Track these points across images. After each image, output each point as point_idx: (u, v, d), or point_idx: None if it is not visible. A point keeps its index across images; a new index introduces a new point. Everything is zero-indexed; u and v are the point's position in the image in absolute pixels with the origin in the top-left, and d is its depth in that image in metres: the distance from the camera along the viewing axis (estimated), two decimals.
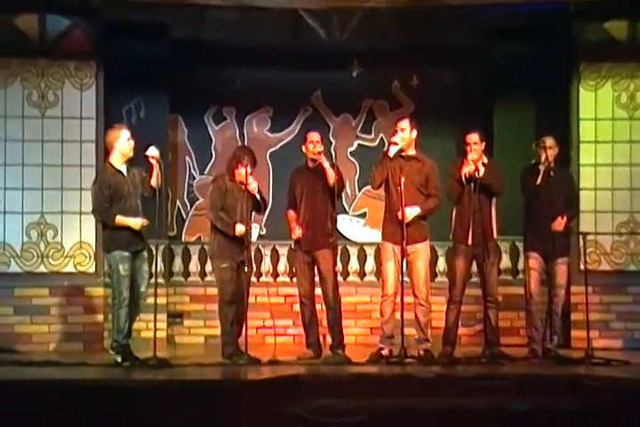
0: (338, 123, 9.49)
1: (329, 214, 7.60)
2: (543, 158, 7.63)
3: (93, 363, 7.31)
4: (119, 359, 7.26)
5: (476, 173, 7.43)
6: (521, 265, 8.70)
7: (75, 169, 8.53)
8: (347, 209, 9.43)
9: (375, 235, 8.56)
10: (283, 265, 9.15)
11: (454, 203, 7.64)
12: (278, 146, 9.44)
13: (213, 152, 9.42)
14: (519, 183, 7.75)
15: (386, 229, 7.57)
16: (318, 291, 7.73)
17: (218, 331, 7.57)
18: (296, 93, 9.28)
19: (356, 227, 9.44)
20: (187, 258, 9.11)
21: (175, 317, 8.91)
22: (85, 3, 8.26)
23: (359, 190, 9.46)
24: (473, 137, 7.55)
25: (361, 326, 8.88)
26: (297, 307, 7.95)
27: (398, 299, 7.36)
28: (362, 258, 9.18)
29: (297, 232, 7.63)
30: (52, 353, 8.11)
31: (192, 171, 9.41)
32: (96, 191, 7.34)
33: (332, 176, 7.53)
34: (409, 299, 7.40)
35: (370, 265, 9.16)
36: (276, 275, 9.15)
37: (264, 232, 9.32)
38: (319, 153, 7.63)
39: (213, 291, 7.78)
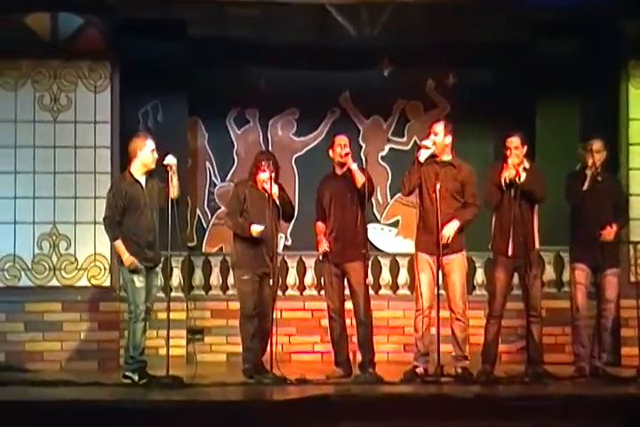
0: (368, 125, 9.54)
1: (360, 224, 7.61)
2: (590, 163, 7.60)
3: (109, 383, 7.33)
4: (135, 378, 7.33)
5: (517, 179, 7.42)
6: (566, 277, 8.68)
7: (88, 176, 8.59)
8: (378, 218, 9.46)
9: (408, 245, 8.56)
10: (310, 278, 9.14)
11: (494, 210, 7.63)
12: (304, 150, 9.51)
13: (235, 157, 9.49)
14: (564, 190, 7.73)
15: (419, 238, 7.57)
16: (348, 305, 7.74)
17: (240, 348, 7.61)
18: (323, 94, 9.34)
19: (387, 236, 9.47)
20: (207, 270, 9.12)
21: (195, 333, 8.93)
22: (99, 0, 8.34)
23: (391, 198, 9.48)
24: (514, 140, 7.53)
25: (394, 342, 8.87)
26: (325, 322, 7.97)
27: (433, 313, 7.36)
28: (394, 270, 9.17)
29: (324, 246, 7.66)
30: (65, 372, 8.13)
31: (213, 178, 9.48)
32: (110, 200, 7.45)
33: (360, 177, 7.52)
34: (445, 313, 7.41)
35: (403, 277, 9.15)
36: (302, 288, 9.15)
37: (290, 243, 9.33)
38: (346, 155, 7.63)
39: (236, 305, 7.80)
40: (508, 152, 7.53)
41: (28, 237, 8.53)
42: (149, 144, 7.45)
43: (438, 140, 7.47)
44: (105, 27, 8.60)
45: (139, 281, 7.35)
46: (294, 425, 6.15)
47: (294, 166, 9.42)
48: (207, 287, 9.13)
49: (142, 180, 7.48)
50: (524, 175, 7.44)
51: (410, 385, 7.21)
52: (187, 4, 8.47)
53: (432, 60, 9.18)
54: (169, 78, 8.78)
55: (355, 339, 7.75)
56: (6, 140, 8.54)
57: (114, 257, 8.16)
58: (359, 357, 7.70)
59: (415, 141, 9.28)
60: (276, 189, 7.49)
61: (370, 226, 8.60)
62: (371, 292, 7.97)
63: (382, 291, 9.15)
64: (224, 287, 9.08)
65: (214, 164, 9.47)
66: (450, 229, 7.37)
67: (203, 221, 9.41)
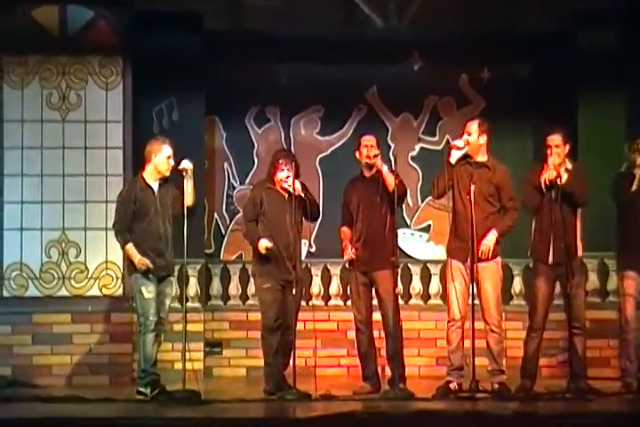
0: (397, 124, 9.54)
1: (389, 230, 7.60)
2: (638, 162, 7.56)
3: (121, 399, 7.34)
4: (148, 391, 7.33)
5: (558, 180, 7.37)
6: (611, 286, 8.66)
7: (100, 179, 8.63)
8: (408, 222, 9.45)
9: (441, 251, 8.55)
10: (335, 287, 9.16)
11: (533, 214, 7.59)
12: (329, 151, 9.51)
13: (255, 158, 9.50)
14: (609, 191, 7.71)
15: (451, 244, 7.55)
16: (376, 316, 7.72)
17: (261, 362, 7.61)
18: (349, 91, 9.34)
19: (418, 243, 9.46)
20: (226, 279, 9.15)
21: (213, 346, 8.95)
22: None
23: (422, 201, 9.47)
24: (555, 138, 7.48)
25: (425, 355, 8.89)
26: (352, 334, 7.96)
27: (467, 325, 7.33)
28: (425, 278, 9.17)
29: (349, 253, 7.67)
30: (75, 388, 8.17)
31: (231, 180, 9.50)
32: (119, 205, 7.48)
33: (391, 180, 7.51)
34: (480, 325, 7.38)
35: (435, 286, 9.14)
36: (327, 298, 9.16)
37: (314, 249, 9.32)
38: (375, 156, 7.62)
39: (256, 316, 7.84)
40: (549, 151, 7.48)
41: (35, 244, 8.57)
42: (166, 150, 7.46)
43: (472, 140, 7.45)
44: (116, 20, 8.66)
45: (147, 291, 7.38)
46: None
47: (318, 168, 9.43)
48: (226, 297, 9.16)
49: (155, 185, 7.49)
50: (565, 176, 7.39)
51: (443, 401, 7.17)
52: None
53: (465, 53, 9.17)
54: (184, 74, 8.80)
55: (383, 352, 7.71)
56: (13, 140, 8.62)
57: (126, 265, 8.12)
58: (388, 371, 7.69)
59: (448, 140, 9.26)
60: (298, 185, 7.45)
61: (399, 231, 8.54)
62: (400, 302, 7.92)
63: (413, 301, 9.16)
64: (244, 297, 9.11)
65: (233, 165, 9.48)
66: (489, 242, 7.34)
67: (221, 226, 9.43)
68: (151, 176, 7.48)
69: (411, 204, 9.40)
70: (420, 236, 9.47)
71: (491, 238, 7.35)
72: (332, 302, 9.14)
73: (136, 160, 8.24)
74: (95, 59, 8.66)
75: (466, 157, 7.46)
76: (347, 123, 9.47)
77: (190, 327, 7.50)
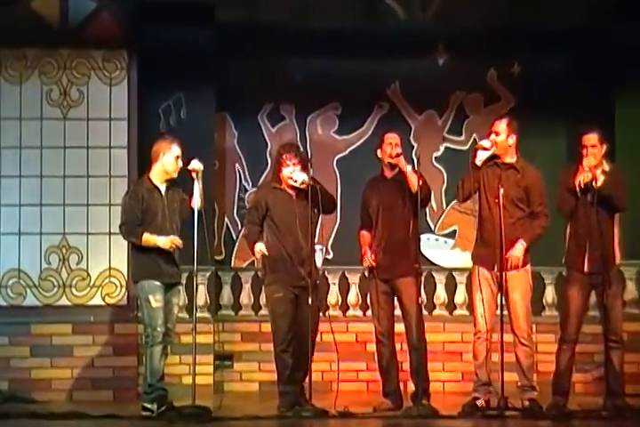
0: (420, 122, 9.52)
1: (412, 234, 7.60)
2: None
3: (125, 415, 7.34)
4: (154, 408, 7.30)
5: (594, 183, 7.33)
6: None
7: (103, 181, 8.65)
8: (432, 227, 9.43)
9: (467, 258, 8.44)
10: (354, 296, 9.16)
11: (567, 219, 7.57)
12: (348, 151, 9.49)
13: (269, 159, 9.39)
14: None
15: (477, 251, 7.56)
16: (398, 327, 7.73)
17: (275, 376, 7.57)
18: (369, 87, 9.32)
19: (443, 249, 9.44)
20: (237, 287, 9.16)
21: (224, 359, 8.94)
22: None
23: (447, 205, 9.46)
24: (591, 138, 7.45)
25: (450, 370, 8.89)
26: (372, 347, 7.95)
27: (496, 337, 7.30)
28: (451, 287, 9.17)
29: (368, 260, 7.66)
30: (76, 403, 8.16)
31: (243, 182, 9.48)
32: (126, 204, 7.46)
33: (414, 180, 7.49)
34: (508, 337, 7.36)
35: (461, 296, 9.14)
36: (345, 308, 9.16)
37: (331, 256, 9.31)
38: (397, 155, 7.62)
39: (270, 327, 7.70)
40: (584, 152, 7.43)
41: (34, 249, 8.60)
42: (174, 150, 7.46)
43: (500, 140, 7.45)
44: (121, 11, 8.70)
45: (155, 300, 7.36)
46: None
47: (336, 169, 9.42)
48: (237, 307, 9.17)
49: (162, 187, 7.49)
50: (601, 179, 7.35)
51: (469, 419, 7.16)
52: None
53: (494, 46, 9.16)
54: (194, 69, 8.78)
55: (406, 366, 7.72)
56: (10, 139, 8.64)
57: (131, 272, 8.13)
58: (411, 386, 7.69)
59: (475, 140, 9.25)
60: (302, 176, 7.35)
61: (423, 237, 8.51)
62: (424, 312, 7.92)
63: (437, 311, 9.16)
64: (256, 307, 9.11)
65: (245, 166, 9.46)
66: (518, 252, 7.32)
67: (232, 231, 9.40)
68: (158, 177, 7.48)
69: (435, 207, 9.38)
70: (445, 242, 9.45)
71: (519, 248, 7.33)
72: (350, 313, 9.14)
73: (141, 161, 8.27)
74: (98, 52, 8.67)
75: (493, 158, 7.45)
76: (367, 121, 9.45)
77: (199, 339, 7.48)
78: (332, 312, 9.03)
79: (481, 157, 7.41)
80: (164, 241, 7.33)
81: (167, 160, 7.45)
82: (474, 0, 8.79)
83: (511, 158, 7.50)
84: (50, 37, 8.61)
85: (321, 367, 8.36)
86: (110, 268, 8.61)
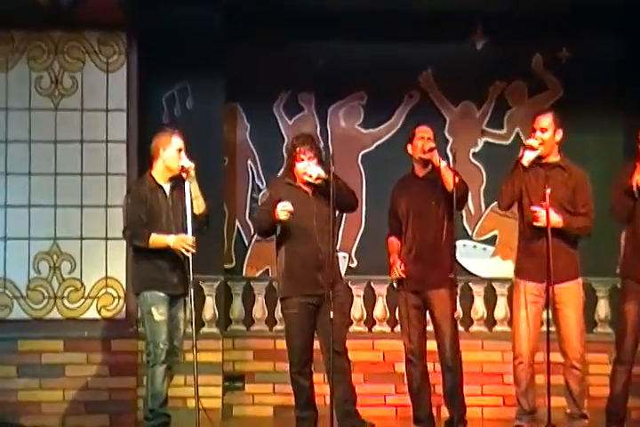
0: (456, 114, 9.47)
1: (447, 241, 7.62)
2: None
3: None
4: None
5: None
6: None
7: (99, 179, 8.65)
8: (469, 232, 9.40)
9: (508, 267, 8.51)
10: (381, 309, 9.14)
11: (623, 223, 7.53)
12: (374, 146, 9.45)
13: (285, 155, 9.33)
14: None
15: (521, 260, 7.55)
16: (431, 345, 7.72)
17: (291, 400, 7.56)
18: (399, 74, 9.25)
19: (482, 257, 9.41)
20: (249, 299, 9.17)
21: (234, 380, 8.95)
22: None
23: (486, 207, 9.42)
24: None
25: (490, 393, 8.87)
26: (401, 367, 7.98)
27: (541, 356, 7.26)
28: (490, 300, 9.17)
29: (397, 270, 7.68)
30: None
31: (256, 180, 9.45)
32: (130, 206, 7.46)
33: (450, 178, 7.49)
34: (556, 357, 7.28)
35: (501, 310, 9.13)
36: (371, 323, 9.15)
37: (355, 264, 9.28)
38: (430, 150, 7.62)
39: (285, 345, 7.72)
40: None
41: (22, 256, 8.61)
42: (175, 142, 7.46)
43: (547, 136, 7.44)
44: None
45: (159, 313, 7.36)
46: None
47: (361, 166, 9.37)
48: (249, 321, 9.17)
49: (166, 187, 7.51)
50: None
51: None
52: None
53: (539, 28, 9.07)
54: (201, 54, 8.79)
55: (439, 389, 7.73)
56: None
57: (131, 282, 8.13)
58: (445, 412, 7.72)
59: (518, 134, 9.24)
60: (317, 170, 7.32)
61: (459, 243, 8.56)
62: (460, 328, 7.97)
63: (475, 327, 9.17)
64: (271, 321, 9.12)
65: (258, 163, 9.44)
66: (554, 219, 7.25)
67: (243, 236, 9.37)
68: (161, 175, 7.49)
69: (472, 210, 9.35)
70: (484, 249, 9.42)
71: (556, 218, 7.26)
72: (376, 328, 9.14)
73: (142, 157, 8.28)
74: (94, 35, 8.67)
75: (538, 158, 7.44)
76: (395, 113, 9.40)
77: (206, 357, 7.60)
78: (356, 328, 9.05)
79: (528, 157, 7.41)
80: (174, 240, 7.31)
81: (168, 155, 7.45)
82: None
83: (555, 157, 7.51)
84: (39, 18, 8.58)
85: None
86: (107, 277, 8.62)
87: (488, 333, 9.09)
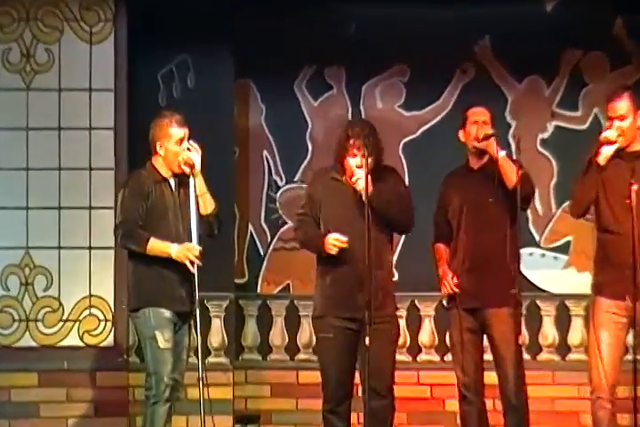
0: (520, 92, 9.45)
1: (509, 248, 7.57)
2: None
3: None
4: None
5: None
6: None
7: (81, 175, 8.66)
8: (536, 238, 9.35)
9: (585, 281, 8.26)
10: (428, 333, 9.18)
11: None
12: (419, 132, 9.43)
13: (309, 144, 9.42)
14: None
15: (599, 274, 7.39)
16: (489, 378, 7.67)
17: None
18: (449, 44, 9.22)
19: (552, 268, 9.37)
20: (266, 322, 9.21)
21: (247, 421, 8.97)
22: None
23: (557, 206, 9.35)
24: None
25: None
26: (453, 405, 7.96)
27: (626, 391, 7.29)
28: (563, 321, 9.18)
29: (448, 284, 7.63)
30: None
31: (273, 175, 9.47)
32: (126, 200, 7.38)
33: (511, 172, 7.39)
34: None
35: (577, 334, 9.15)
36: (417, 350, 9.17)
37: (395, 278, 9.10)
38: (487, 137, 7.52)
39: (311, 377, 7.96)
40: None
41: None
42: (174, 134, 7.38)
43: (627, 125, 7.28)
44: None
45: (164, 340, 7.28)
46: None
47: (402, 156, 9.34)
48: (266, 349, 9.22)
49: (172, 181, 7.46)
50: None
51: None
52: None
53: None
54: (204, 22, 8.83)
55: None
56: None
57: (119, 301, 8.36)
58: None
59: (596, 117, 9.21)
60: (362, 185, 7.20)
61: (524, 251, 8.49)
62: (526, 356, 7.97)
63: (544, 355, 9.19)
64: (292, 349, 9.17)
65: (276, 154, 9.45)
66: None
67: (258, 243, 9.41)
68: (164, 168, 7.43)
69: (540, 211, 9.29)
70: (555, 258, 9.38)
71: None
72: (422, 357, 9.19)
73: (133, 147, 8.39)
74: None
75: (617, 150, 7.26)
76: (445, 91, 9.40)
77: (214, 393, 7.33)
78: (397, 357, 8.75)
79: (606, 153, 7.20)
80: (177, 250, 7.21)
81: (167, 150, 7.37)
82: None
83: (637, 145, 7.33)
84: None
85: None
86: (91, 295, 8.63)
87: (560, 362, 9.16)
